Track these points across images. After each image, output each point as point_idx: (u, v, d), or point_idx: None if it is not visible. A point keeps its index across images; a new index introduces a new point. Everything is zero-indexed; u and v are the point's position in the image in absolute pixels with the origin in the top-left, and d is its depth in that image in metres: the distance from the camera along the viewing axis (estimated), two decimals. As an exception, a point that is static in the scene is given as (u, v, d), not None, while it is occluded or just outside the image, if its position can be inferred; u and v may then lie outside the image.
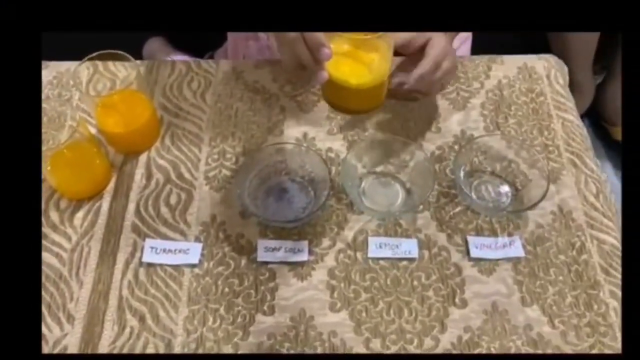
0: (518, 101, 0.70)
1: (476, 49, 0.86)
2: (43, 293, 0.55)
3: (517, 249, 0.59)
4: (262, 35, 0.84)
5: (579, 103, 1.30)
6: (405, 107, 0.70)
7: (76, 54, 0.71)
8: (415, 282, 0.56)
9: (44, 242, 0.58)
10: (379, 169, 0.64)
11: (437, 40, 0.56)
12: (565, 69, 0.75)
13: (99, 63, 0.63)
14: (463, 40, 0.83)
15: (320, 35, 0.50)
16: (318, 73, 0.51)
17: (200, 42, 1.20)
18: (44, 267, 0.57)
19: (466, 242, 0.59)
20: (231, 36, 0.91)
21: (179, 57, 1.22)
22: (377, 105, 0.57)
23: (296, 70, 0.56)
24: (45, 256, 0.58)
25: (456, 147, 0.66)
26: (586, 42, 1.23)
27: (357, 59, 0.53)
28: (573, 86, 1.32)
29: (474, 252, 0.58)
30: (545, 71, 0.73)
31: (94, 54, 0.60)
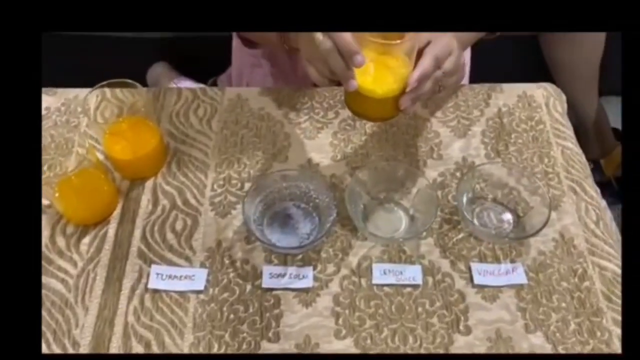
0: (518, 129, 0.72)
1: (475, 78, 0.88)
2: (48, 319, 0.55)
3: (519, 276, 0.59)
4: (265, 62, 0.85)
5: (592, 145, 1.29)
6: (407, 133, 0.71)
7: (80, 81, 0.72)
8: (420, 309, 0.57)
9: (49, 267, 0.59)
10: (382, 195, 0.65)
11: (438, 40, 0.56)
12: (564, 97, 0.77)
13: (107, 90, 0.64)
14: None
15: (354, 43, 0.50)
16: (349, 82, 0.52)
17: (204, 67, 1.22)
18: (49, 293, 0.57)
19: (469, 269, 0.59)
20: (235, 62, 0.93)
21: (183, 82, 1.24)
22: (398, 112, 0.57)
23: (327, 82, 0.57)
24: (51, 282, 0.58)
25: (458, 173, 0.67)
26: (588, 67, 1.22)
27: (381, 67, 0.54)
28: (584, 127, 1.30)
29: (478, 279, 0.58)
30: (544, 99, 0.75)
31: (104, 83, 0.61)
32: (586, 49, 1.19)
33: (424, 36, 0.55)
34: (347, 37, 0.50)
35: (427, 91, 0.56)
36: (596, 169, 1.33)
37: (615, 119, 1.37)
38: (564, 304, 0.57)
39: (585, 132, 1.30)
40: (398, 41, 0.52)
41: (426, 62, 0.54)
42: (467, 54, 0.86)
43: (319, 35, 0.52)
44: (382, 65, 0.55)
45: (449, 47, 0.57)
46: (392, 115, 0.58)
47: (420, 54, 0.55)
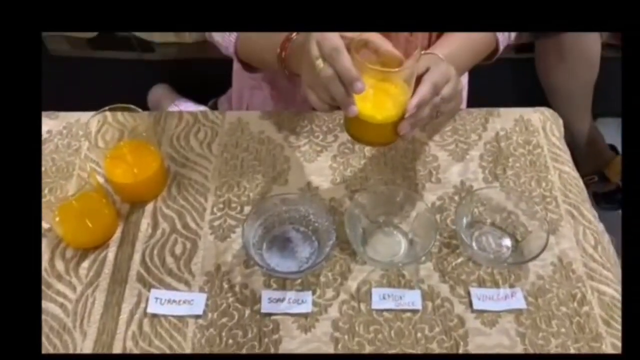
0: (515, 153, 0.72)
1: (472, 100, 0.89)
2: (46, 344, 0.55)
3: (518, 301, 0.59)
4: (265, 85, 0.86)
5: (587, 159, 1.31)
6: (405, 157, 0.71)
7: (82, 103, 0.73)
8: (419, 334, 0.57)
9: (48, 292, 0.59)
10: (381, 219, 0.65)
11: (437, 67, 0.57)
12: (560, 121, 0.77)
13: (108, 114, 0.65)
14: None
15: (354, 70, 0.51)
16: (349, 108, 0.53)
17: (204, 89, 1.23)
18: (48, 318, 0.57)
19: (469, 294, 0.59)
20: (235, 85, 0.94)
21: (184, 104, 1.25)
22: (397, 137, 0.58)
23: (327, 108, 0.57)
24: (49, 306, 0.58)
25: (456, 197, 0.68)
26: (582, 89, 1.24)
27: (380, 94, 0.55)
28: (579, 147, 1.32)
29: (477, 304, 0.58)
30: (541, 123, 0.76)
31: (106, 108, 0.62)
32: (581, 72, 1.21)
33: (423, 63, 0.56)
34: (347, 64, 0.51)
35: (425, 117, 0.56)
36: (601, 180, 1.35)
37: (610, 140, 1.39)
38: (563, 329, 0.57)
39: (580, 152, 1.32)
40: (397, 69, 0.53)
41: (425, 89, 0.55)
42: (464, 78, 0.87)
43: (319, 62, 0.53)
44: (382, 91, 0.55)
45: (447, 74, 0.58)
46: (391, 140, 0.58)
47: (419, 80, 0.56)
